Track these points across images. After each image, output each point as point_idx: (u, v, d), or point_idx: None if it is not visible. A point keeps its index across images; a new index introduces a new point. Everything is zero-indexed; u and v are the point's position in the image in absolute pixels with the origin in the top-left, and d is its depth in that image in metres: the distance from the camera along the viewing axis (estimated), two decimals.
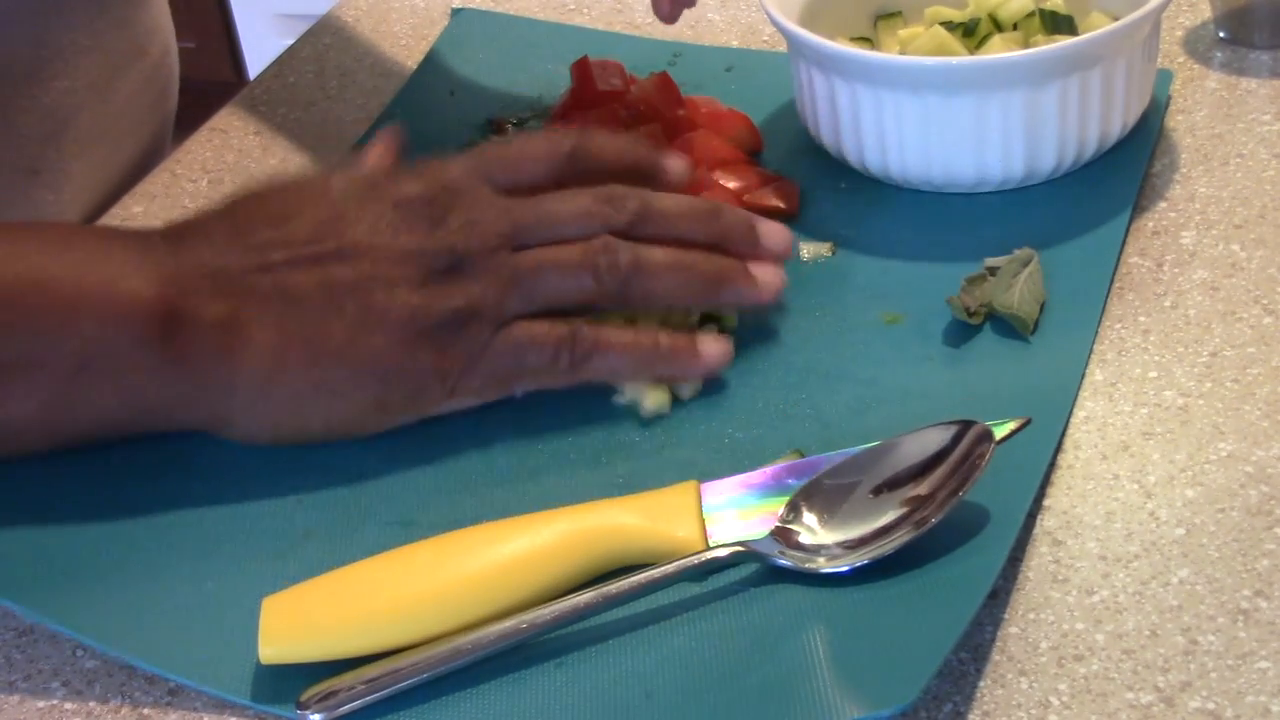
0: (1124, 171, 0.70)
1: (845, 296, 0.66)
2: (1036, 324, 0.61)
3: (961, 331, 0.62)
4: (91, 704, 0.53)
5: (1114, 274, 0.64)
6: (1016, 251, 0.63)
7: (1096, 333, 0.61)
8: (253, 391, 0.57)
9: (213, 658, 0.52)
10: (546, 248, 0.59)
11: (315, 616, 0.51)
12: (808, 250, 0.68)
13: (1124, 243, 0.66)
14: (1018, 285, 0.62)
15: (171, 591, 0.55)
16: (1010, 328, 0.61)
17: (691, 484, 0.54)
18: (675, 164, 0.64)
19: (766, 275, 0.62)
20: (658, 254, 0.60)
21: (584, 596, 0.50)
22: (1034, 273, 0.62)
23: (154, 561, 0.56)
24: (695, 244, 0.61)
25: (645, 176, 0.63)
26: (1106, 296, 0.63)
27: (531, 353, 0.58)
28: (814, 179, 0.73)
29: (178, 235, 0.59)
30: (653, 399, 0.60)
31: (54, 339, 0.56)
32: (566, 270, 0.59)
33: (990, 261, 0.64)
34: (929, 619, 0.48)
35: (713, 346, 0.60)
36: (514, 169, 0.61)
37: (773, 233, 0.63)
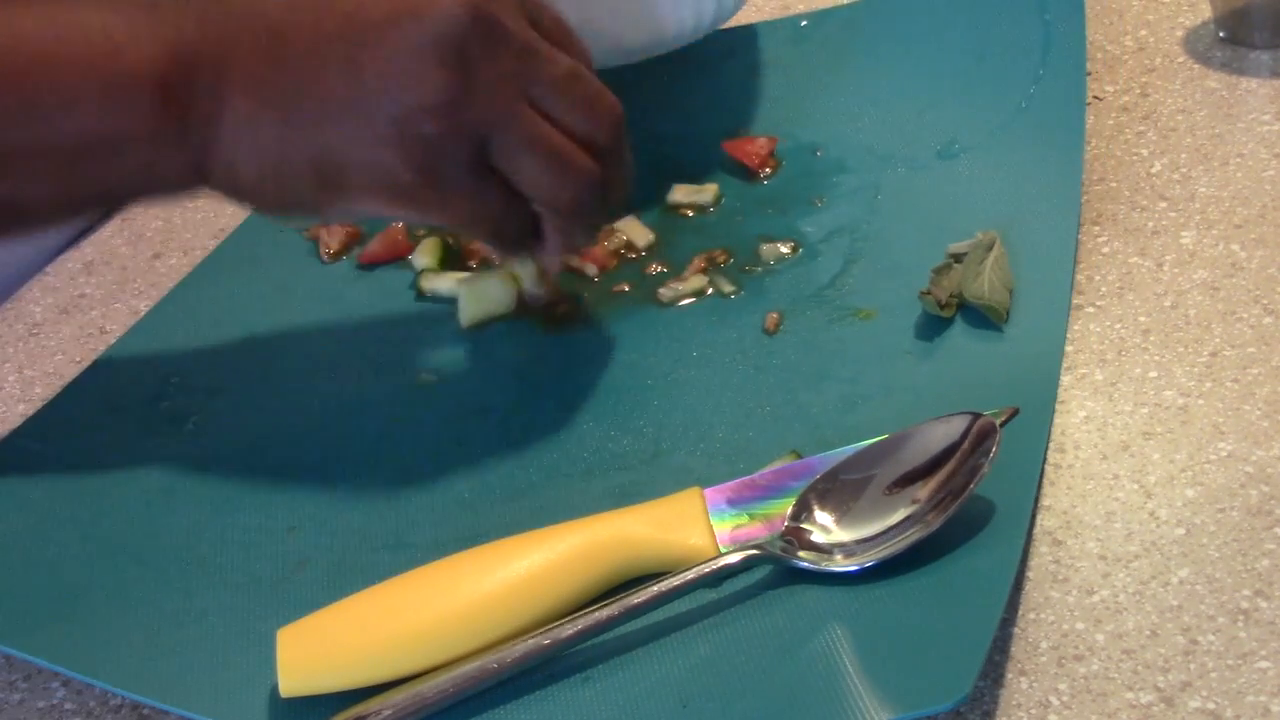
0: (1062, 132, 0.70)
1: (813, 295, 0.66)
2: (1008, 311, 0.61)
3: (935, 323, 0.62)
4: (91, 704, 0.53)
5: (1077, 247, 0.64)
6: (979, 235, 0.63)
7: (1069, 313, 0.61)
8: (238, 124, 0.55)
9: (229, 692, 0.51)
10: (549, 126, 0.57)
11: (333, 646, 0.50)
12: (769, 251, 0.69)
13: (1081, 211, 0.66)
14: (985, 272, 0.61)
15: (174, 628, 0.54)
16: (983, 315, 0.61)
17: (695, 490, 0.54)
18: None
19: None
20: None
21: (606, 609, 0.50)
22: (1000, 257, 0.62)
23: (151, 599, 0.56)
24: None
25: None
26: (1073, 273, 0.63)
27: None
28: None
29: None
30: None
31: (56, 121, 0.55)
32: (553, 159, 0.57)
33: (953, 248, 0.63)
34: (957, 612, 0.48)
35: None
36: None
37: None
